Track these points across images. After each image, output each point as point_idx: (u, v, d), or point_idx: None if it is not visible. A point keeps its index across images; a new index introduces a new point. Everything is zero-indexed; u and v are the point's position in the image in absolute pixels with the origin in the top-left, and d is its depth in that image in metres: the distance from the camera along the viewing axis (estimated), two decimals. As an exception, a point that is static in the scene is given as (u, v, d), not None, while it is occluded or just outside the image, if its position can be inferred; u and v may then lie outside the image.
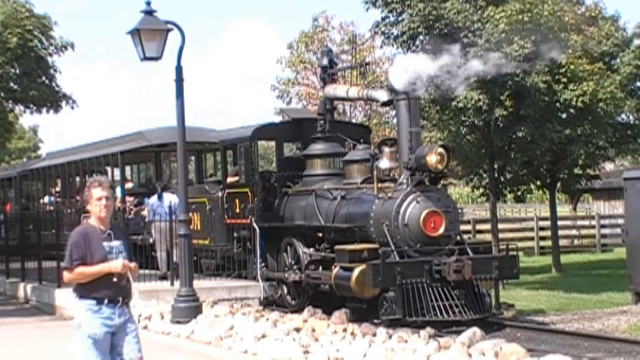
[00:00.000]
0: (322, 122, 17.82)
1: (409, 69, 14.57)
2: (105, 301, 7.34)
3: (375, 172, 15.20)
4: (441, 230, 14.26)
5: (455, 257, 13.96)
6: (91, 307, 7.32)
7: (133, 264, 7.47)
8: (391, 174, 15.43)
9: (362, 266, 13.91)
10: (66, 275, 7.36)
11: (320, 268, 16.05)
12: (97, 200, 7.48)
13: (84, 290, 7.35)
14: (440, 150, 14.43)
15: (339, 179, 16.86)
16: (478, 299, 14.10)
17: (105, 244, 7.41)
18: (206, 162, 26.19)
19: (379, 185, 14.94)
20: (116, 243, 7.48)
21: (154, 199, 20.14)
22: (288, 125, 19.64)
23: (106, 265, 7.31)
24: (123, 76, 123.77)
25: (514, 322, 14.95)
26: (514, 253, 15.25)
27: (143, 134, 23.91)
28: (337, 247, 14.96)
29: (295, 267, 16.77)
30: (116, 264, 7.34)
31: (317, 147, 17.65)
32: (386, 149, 15.64)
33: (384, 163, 15.54)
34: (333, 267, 14.87)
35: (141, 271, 19.11)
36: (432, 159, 14.27)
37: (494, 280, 14.43)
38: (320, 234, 16.52)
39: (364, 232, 15.08)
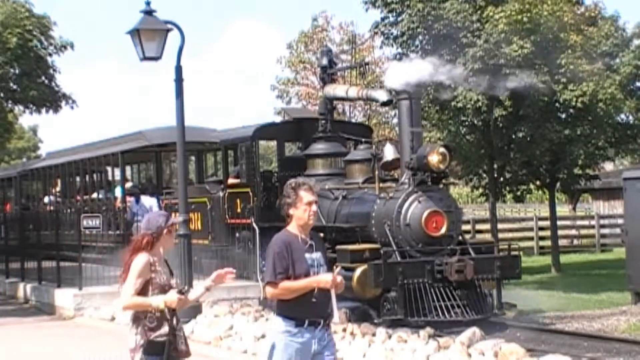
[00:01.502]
0: (323, 121, 17.73)
1: (404, 75, 14.55)
2: (306, 323, 6.53)
3: (377, 172, 15.12)
4: (443, 230, 14.10)
5: (457, 257, 13.84)
6: (289, 330, 6.52)
7: (340, 278, 6.61)
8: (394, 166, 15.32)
9: (364, 266, 13.78)
10: (269, 291, 6.55)
11: None
12: (307, 205, 6.59)
13: (286, 308, 6.55)
14: (442, 150, 14.28)
15: (340, 178, 16.75)
16: (480, 299, 13.98)
17: (307, 255, 6.62)
18: (206, 162, 26.18)
19: (381, 185, 14.88)
20: (317, 255, 6.70)
21: (133, 201, 20.58)
22: (289, 125, 19.52)
23: (314, 280, 6.51)
24: (123, 76, 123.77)
25: (514, 322, 14.94)
26: (516, 253, 15.20)
27: (143, 134, 23.90)
28: (338, 247, 14.86)
29: None
30: (325, 279, 6.52)
31: (318, 147, 17.53)
32: (389, 144, 15.50)
33: (388, 153, 15.43)
34: (334, 267, 14.83)
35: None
36: (433, 159, 14.12)
37: (496, 280, 14.34)
38: (322, 234, 16.45)
39: (365, 232, 14.97)
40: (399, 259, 13.89)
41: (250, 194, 17.81)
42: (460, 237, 14.80)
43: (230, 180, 18.88)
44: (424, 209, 14.15)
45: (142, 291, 6.50)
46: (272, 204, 17.75)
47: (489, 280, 14.18)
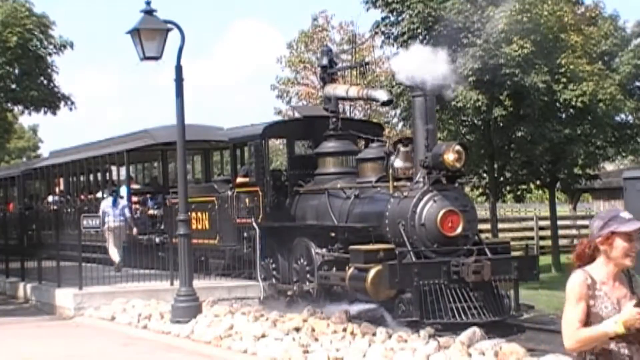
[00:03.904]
0: (334, 119, 17.41)
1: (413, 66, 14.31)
2: None
3: (390, 171, 14.82)
4: (459, 230, 13.86)
5: (474, 257, 13.56)
6: None
7: None
8: (405, 173, 15.01)
9: (378, 267, 13.54)
10: None
11: (334, 269, 15.61)
12: None
13: None
14: (458, 148, 14.03)
15: (352, 177, 16.47)
16: (497, 301, 13.71)
17: None
18: (213, 161, 25.91)
19: (395, 184, 14.59)
20: None
21: (109, 202, 20.69)
22: (299, 123, 19.07)
23: None
24: (124, 75, 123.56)
25: (514, 322, 14.87)
26: (534, 254, 14.97)
27: (149, 132, 23.44)
28: (351, 247, 14.56)
29: (307, 268, 16.43)
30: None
31: (329, 145, 17.22)
32: (402, 149, 15.12)
33: (398, 162, 15.07)
34: (347, 267, 14.53)
35: (143, 271, 19.20)
36: (449, 157, 13.88)
37: (514, 281, 14.06)
38: (333, 234, 16.08)
39: (378, 232, 14.66)
40: (414, 259, 13.63)
41: (260, 193, 17.44)
42: (476, 237, 14.50)
43: (239, 179, 18.59)
44: (439, 209, 13.92)
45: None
46: (282, 203, 17.45)
47: (506, 281, 13.92)
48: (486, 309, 13.47)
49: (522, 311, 14.54)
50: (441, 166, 14.04)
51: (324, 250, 16.17)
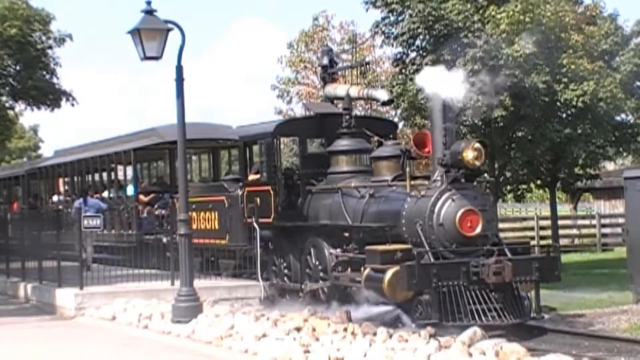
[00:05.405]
0: (347, 117, 17.07)
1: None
2: None
3: (407, 169, 14.54)
4: (478, 230, 13.56)
5: (494, 258, 13.25)
6: None
7: None
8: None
9: (396, 268, 13.23)
10: None
11: (349, 269, 15.30)
12: None
13: None
14: (478, 145, 13.67)
15: (366, 176, 16.14)
16: (517, 302, 13.44)
17: None
18: (220, 159, 25.77)
19: (412, 182, 14.31)
20: None
21: (80, 202, 20.85)
22: (311, 121, 18.65)
23: None
24: (125, 75, 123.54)
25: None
26: (555, 254, 14.82)
27: (156, 131, 23.07)
28: (367, 247, 14.21)
29: (320, 268, 16.16)
30: None
31: (343, 143, 16.87)
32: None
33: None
34: (363, 268, 14.22)
35: (144, 270, 19.22)
36: (468, 155, 13.56)
37: (535, 282, 13.79)
38: (347, 234, 15.76)
39: (395, 232, 14.36)
40: (432, 260, 13.30)
41: (271, 192, 17.13)
42: (495, 237, 14.19)
43: (251, 177, 18.24)
44: (458, 208, 13.62)
45: None
46: (293, 202, 17.16)
47: (527, 282, 13.64)
48: (506, 310, 13.17)
49: (544, 313, 14.39)
50: (460, 164, 13.70)
51: (338, 250, 15.82)
